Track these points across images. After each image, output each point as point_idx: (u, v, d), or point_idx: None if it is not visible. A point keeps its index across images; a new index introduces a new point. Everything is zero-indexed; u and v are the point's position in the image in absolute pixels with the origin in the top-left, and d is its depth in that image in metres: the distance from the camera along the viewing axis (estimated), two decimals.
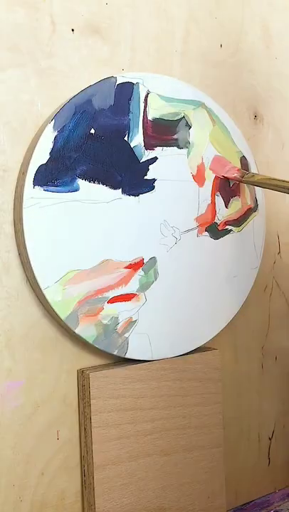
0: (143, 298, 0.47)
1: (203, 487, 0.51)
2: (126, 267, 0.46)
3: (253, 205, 0.55)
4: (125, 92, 0.46)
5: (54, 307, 0.42)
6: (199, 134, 0.51)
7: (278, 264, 0.61)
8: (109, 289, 0.45)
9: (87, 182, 0.44)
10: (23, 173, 0.42)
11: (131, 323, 0.46)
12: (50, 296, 0.42)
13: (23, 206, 0.41)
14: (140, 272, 0.47)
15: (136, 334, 0.47)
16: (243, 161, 0.54)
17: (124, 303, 0.46)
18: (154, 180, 0.48)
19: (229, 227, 0.53)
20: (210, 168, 0.51)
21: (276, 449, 0.60)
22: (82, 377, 0.45)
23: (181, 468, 0.49)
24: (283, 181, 0.48)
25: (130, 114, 0.46)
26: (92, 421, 0.44)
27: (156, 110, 0.48)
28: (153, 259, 0.48)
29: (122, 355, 0.46)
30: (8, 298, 0.43)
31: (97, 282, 0.44)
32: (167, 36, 0.51)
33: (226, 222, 0.52)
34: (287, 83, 0.61)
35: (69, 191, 0.43)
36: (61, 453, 0.45)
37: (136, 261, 0.47)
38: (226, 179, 0.52)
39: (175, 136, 0.49)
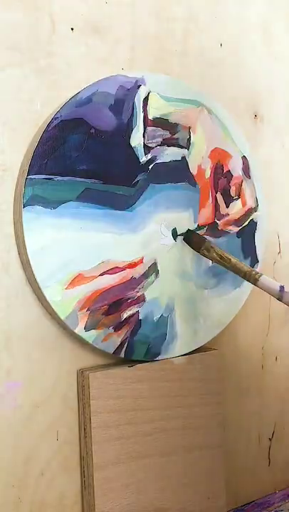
0: (143, 298, 0.47)
1: (204, 488, 0.51)
2: (126, 267, 0.46)
3: (253, 205, 0.55)
4: (125, 91, 0.46)
5: (54, 307, 0.42)
6: (199, 133, 0.50)
7: (278, 264, 0.61)
8: (109, 289, 0.45)
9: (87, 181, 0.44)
10: (22, 172, 0.42)
11: (131, 323, 0.46)
12: (50, 296, 0.42)
13: (23, 206, 0.41)
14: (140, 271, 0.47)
15: (136, 334, 0.46)
16: (244, 160, 0.54)
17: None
18: (154, 179, 0.48)
19: (229, 227, 0.53)
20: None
21: (276, 450, 0.60)
22: (82, 378, 0.45)
23: (181, 469, 0.49)
24: (237, 263, 0.46)
25: (130, 114, 0.46)
26: (91, 421, 0.44)
27: (157, 110, 0.48)
28: (153, 259, 0.48)
29: (122, 356, 0.46)
30: (8, 298, 0.42)
31: (97, 282, 0.44)
32: (167, 36, 0.51)
33: (227, 222, 0.52)
34: (287, 83, 0.61)
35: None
36: (61, 453, 0.45)
37: (136, 261, 0.47)
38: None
39: (175, 136, 0.49)
